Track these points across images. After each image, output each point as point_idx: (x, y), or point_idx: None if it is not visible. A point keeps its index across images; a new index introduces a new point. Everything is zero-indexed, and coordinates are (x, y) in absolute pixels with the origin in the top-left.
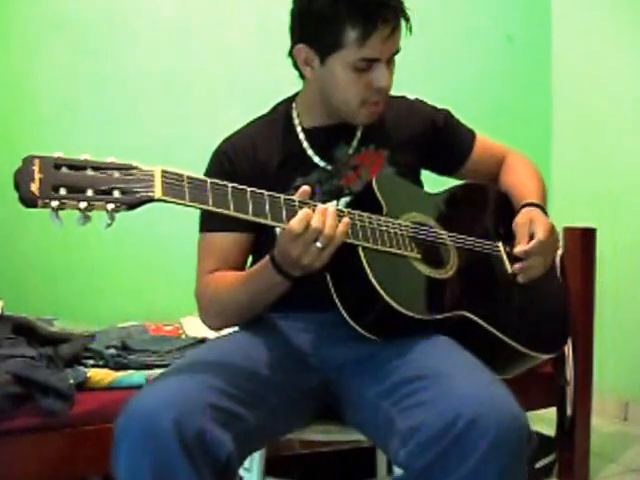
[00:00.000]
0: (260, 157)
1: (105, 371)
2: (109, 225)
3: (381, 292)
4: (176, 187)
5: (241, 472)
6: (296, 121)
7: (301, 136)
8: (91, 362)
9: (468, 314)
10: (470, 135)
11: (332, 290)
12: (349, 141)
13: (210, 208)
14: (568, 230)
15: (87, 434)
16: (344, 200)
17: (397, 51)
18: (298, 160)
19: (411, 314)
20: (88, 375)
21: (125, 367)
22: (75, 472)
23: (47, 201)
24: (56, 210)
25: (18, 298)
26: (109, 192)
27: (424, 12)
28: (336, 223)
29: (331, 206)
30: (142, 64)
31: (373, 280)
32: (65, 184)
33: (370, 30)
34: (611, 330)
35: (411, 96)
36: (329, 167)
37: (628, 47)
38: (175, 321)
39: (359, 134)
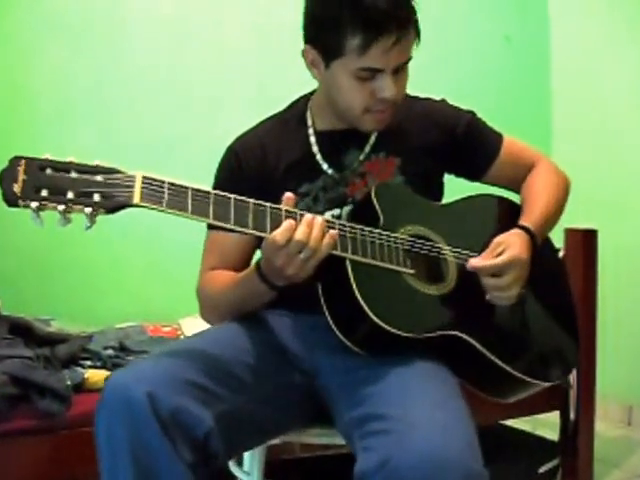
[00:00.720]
0: (268, 159)
1: (103, 372)
2: (89, 227)
3: (366, 309)
4: (155, 193)
5: (241, 475)
6: (309, 122)
7: (312, 139)
8: (88, 363)
9: (461, 334)
10: (496, 139)
11: (323, 303)
12: (361, 147)
13: (189, 216)
14: (570, 231)
15: (84, 436)
16: (347, 209)
17: (407, 60)
18: (306, 164)
19: (398, 332)
20: (85, 376)
21: None
22: (72, 474)
23: (27, 202)
24: (36, 211)
25: (15, 298)
26: (89, 195)
27: (422, 12)
28: (322, 235)
29: (319, 217)
30: (141, 63)
31: (359, 296)
32: (47, 186)
33: (370, 40)
34: (614, 333)
35: (437, 98)
36: (336, 174)
37: (626, 46)
38: (174, 322)
39: (372, 140)
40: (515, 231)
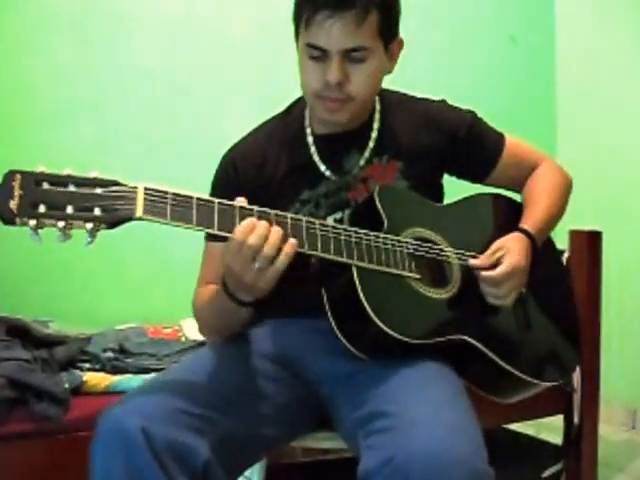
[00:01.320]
0: (268, 166)
1: (102, 375)
2: (90, 243)
3: (372, 315)
4: (158, 205)
5: None
6: (307, 125)
7: (310, 143)
8: (87, 366)
9: (467, 338)
10: (498, 141)
11: (327, 309)
12: (361, 150)
13: (193, 227)
14: (574, 233)
15: (82, 440)
16: (349, 211)
17: (359, 48)
18: (306, 170)
19: (405, 339)
20: (84, 379)
21: (122, 371)
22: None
23: (25, 219)
24: (35, 228)
25: (13, 299)
26: (90, 209)
27: (427, 12)
28: (279, 243)
29: (276, 227)
30: (143, 59)
31: (365, 302)
32: (45, 201)
33: (313, 12)
34: (618, 336)
35: (436, 98)
36: (337, 179)
37: (633, 47)
38: (175, 323)
39: (372, 143)
40: (515, 235)
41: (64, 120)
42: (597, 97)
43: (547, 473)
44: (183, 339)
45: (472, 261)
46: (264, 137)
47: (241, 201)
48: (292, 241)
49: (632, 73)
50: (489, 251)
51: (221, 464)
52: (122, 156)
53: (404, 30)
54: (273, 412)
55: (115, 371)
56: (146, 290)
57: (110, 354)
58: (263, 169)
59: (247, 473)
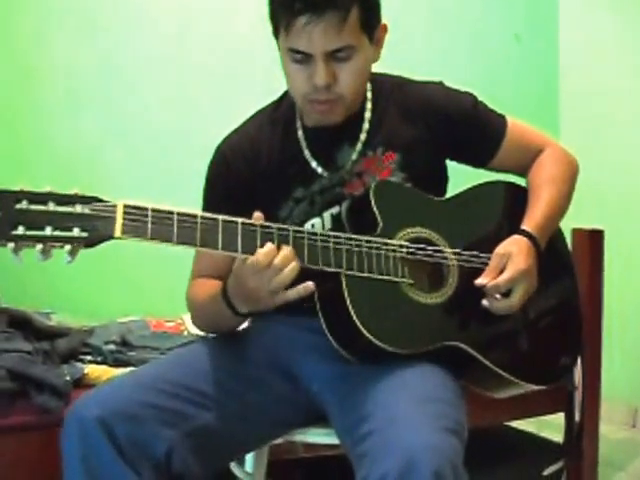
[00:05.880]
0: (260, 160)
1: (103, 367)
2: (70, 262)
3: (361, 328)
4: (137, 223)
5: (242, 476)
6: (297, 118)
7: (300, 137)
8: (89, 358)
9: (460, 344)
10: (500, 123)
11: (320, 316)
12: (353, 144)
13: (174, 244)
14: (576, 231)
15: None
16: (345, 205)
17: (343, 47)
18: (297, 166)
19: (395, 350)
20: (85, 371)
21: (124, 364)
22: None
23: (3, 242)
24: (14, 251)
25: (15, 291)
26: (69, 229)
27: (431, 11)
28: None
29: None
30: (147, 52)
31: (353, 314)
32: (23, 222)
33: (290, 18)
34: (619, 334)
35: (435, 79)
36: (331, 176)
37: (636, 46)
38: (177, 317)
39: (363, 136)
40: (517, 239)
41: (69, 112)
42: (600, 96)
43: (548, 471)
44: (185, 333)
45: (477, 281)
46: (255, 130)
47: (257, 217)
48: (310, 284)
49: (635, 73)
50: (491, 263)
51: (193, 453)
52: (127, 148)
53: (407, 29)
54: (257, 408)
55: (117, 364)
56: (149, 283)
57: (112, 347)
58: (254, 163)
59: (248, 469)
